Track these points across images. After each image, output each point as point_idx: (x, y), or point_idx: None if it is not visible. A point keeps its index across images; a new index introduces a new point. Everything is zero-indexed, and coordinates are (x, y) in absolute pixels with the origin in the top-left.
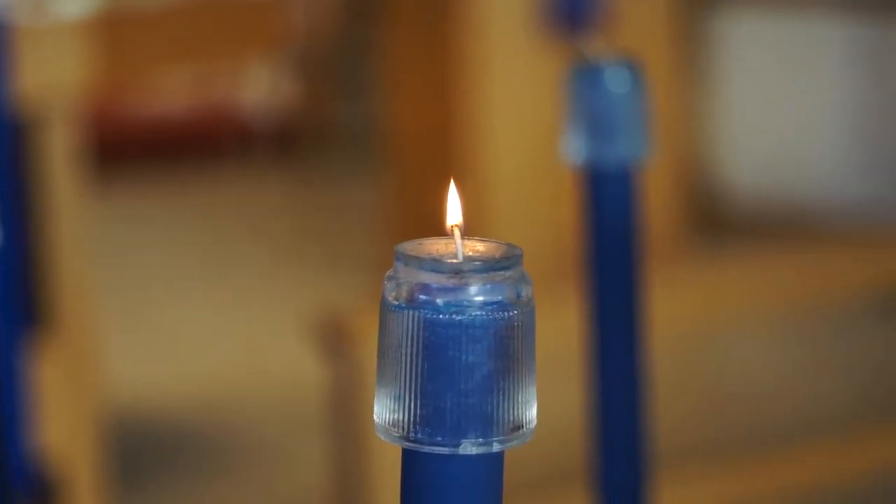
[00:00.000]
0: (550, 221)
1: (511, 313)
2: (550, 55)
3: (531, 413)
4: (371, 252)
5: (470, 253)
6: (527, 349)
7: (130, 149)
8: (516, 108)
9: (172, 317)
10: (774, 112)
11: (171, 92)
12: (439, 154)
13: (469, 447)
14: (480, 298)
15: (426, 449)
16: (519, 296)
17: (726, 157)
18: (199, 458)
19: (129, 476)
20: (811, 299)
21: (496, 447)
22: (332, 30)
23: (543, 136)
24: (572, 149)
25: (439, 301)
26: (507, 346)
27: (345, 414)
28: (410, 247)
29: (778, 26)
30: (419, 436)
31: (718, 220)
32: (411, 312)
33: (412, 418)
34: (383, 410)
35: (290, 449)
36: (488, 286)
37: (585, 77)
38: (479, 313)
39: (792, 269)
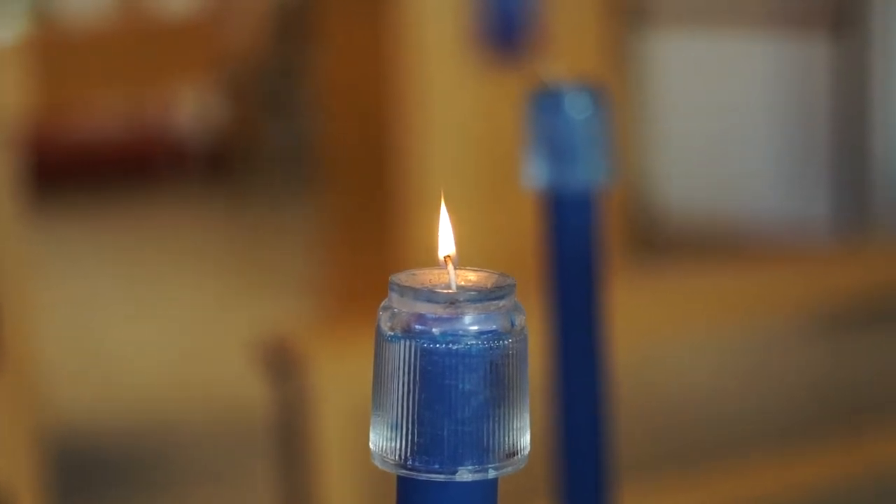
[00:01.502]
0: (486, 240)
1: (506, 342)
2: (484, 76)
3: (525, 440)
4: (307, 272)
5: (462, 282)
6: (520, 377)
7: (64, 171)
8: (450, 128)
9: (112, 338)
10: (703, 129)
11: (105, 114)
12: (373, 173)
13: (465, 474)
14: (475, 328)
15: (422, 476)
16: (513, 324)
17: (657, 175)
18: (143, 479)
19: (72, 498)
20: (745, 315)
21: (492, 474)
22: (264, 51)
23: (478, 156)
24: (533, 173)
25: (435, 331)
26: (502, 375)
27: (291, 435)
28: (405, 277)
29: (706, 44)
30: (416, 463)
31: (650, 238)
32: (407, 342)
33: (408, 446)
34: (379, 438)
35: (235, 470)
36: (483, 315)
37: (545, 102)
38: (474, 342)
39: (725, 285)
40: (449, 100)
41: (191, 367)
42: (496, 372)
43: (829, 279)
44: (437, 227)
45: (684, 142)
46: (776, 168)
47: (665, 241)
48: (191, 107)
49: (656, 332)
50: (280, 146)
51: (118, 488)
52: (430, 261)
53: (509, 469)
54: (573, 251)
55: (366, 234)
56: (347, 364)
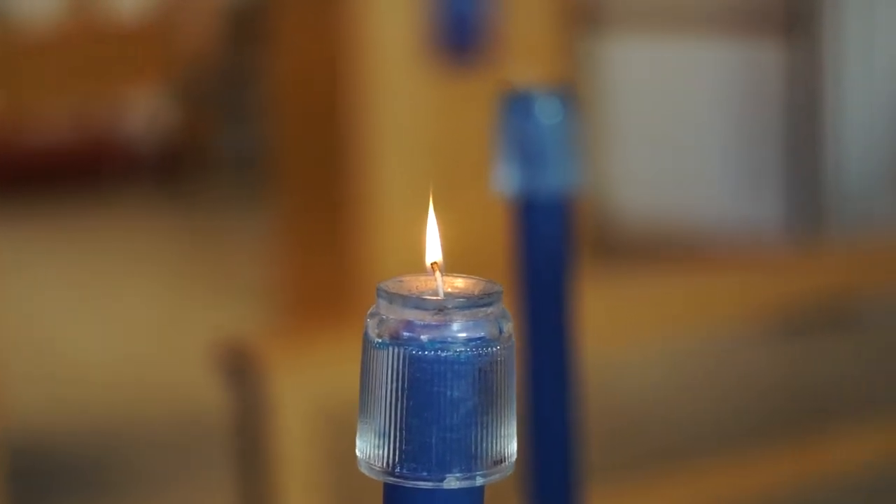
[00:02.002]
0: (442, 244)
1: (494, 349)
2: (438, 79)
3: (512, 447)
4: (261, 275)
5: (449, 289)
6: (508, 384)
7: (16, 175)
8: (404, 131)
9: (66, 342)
10: (657, 133)
11: (57, 118)
12: (326, 177)
13: (453, 482)
14: (464, 335)
15: (410, 484)
16: (501, 331)
17: (612, 179)
18: (99, 484)
19: (25, 503)
20: (700, 320)
21: (479, 481)
22: (216, 55)
23: (432, 159)
24: (503, 178)
25: (424, 338)
26: (490, 382)
27: (249, 439)
28: (392, 284)
29: (659, 49)
30: (403, 471)
31: (604, 242)
32: (395, 349)
33: (396, 453)
34: (366, 445)
35: (193, 474)
36: (471, 322)
37: (516, 107)
38: (463, 349)
39: (680, 290)
40: (403, 103)
41: (146, 370)
42: (484, 379)
43: (784, 283)
44: (423, 233)
45: (638, 146)
46: (730, 171)
47: (619, 246)
48: (142, 110)
49: (610, 337)
50: (232, 150)
51: (74, 493)
52: (390, 264)
53: (496, 476)
54: (543, 256)
55: (319, 237)
56: (305, 367)
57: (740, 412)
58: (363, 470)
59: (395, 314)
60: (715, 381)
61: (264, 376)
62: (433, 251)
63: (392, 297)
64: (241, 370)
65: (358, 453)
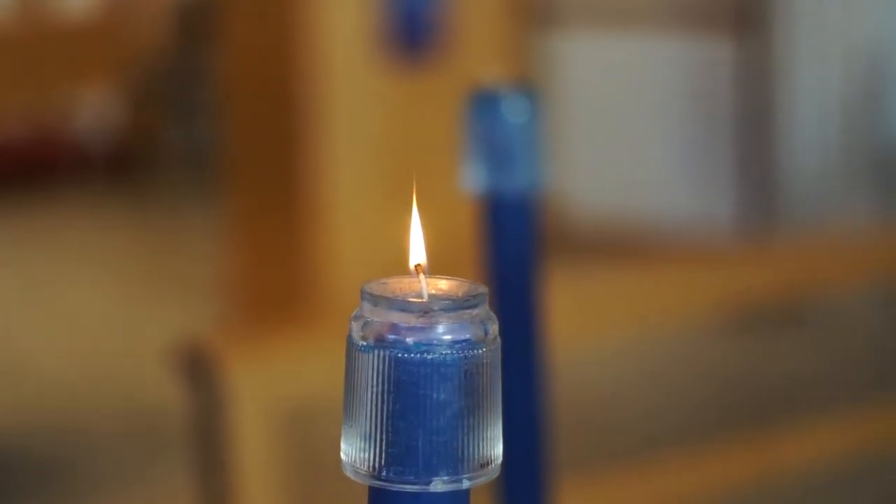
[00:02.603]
0: (393, 245)
1: (479, 351)
2: (390, 76)
3: (498, 449)
4: (213, 274)
5: (433, 291)
6: (493, 386)
7: None
8: (356, 128)
9: (19, 342)
10: (610, 130)
11: (5, 117)
12: (278, 175)
13: (439, 485)
14: (449, 337)
15: (396, 487)
16: (486, 333)
17: (564, 176)
18: (58, 483)
19: None
20: (654, 317)
21: (466, 484)
22: (165, 52)
23: (384, 155)
24: (470, 177)
25: (409, 340)
26: (476, 384)
27: (206, 439)
28: (376, 286)
29: (611, 45)
30: (389, 474)
31: (558, 239)
32: (381, 352)
33: (381, 457)
34: (351, 449)
35: (151, 474)
36: (457, 325)
37: (483, 106)
38: (448, 352)
39: (633, 287)
40: (356, 100)
41: (100, 368)
42: (470, 381)
43: (736, 279)
44: (406, 235)
45: (591, 142)
46: (683, 168)
47: (572, 243)
48: (92, 108)
49: (566, 334)
50: (184, 147)
51: (31, 491)
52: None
53: (483, 479)
54: (511, 253)
55: (272, 234)
56: (262, 365)
57: (697, 407)
58: (348, 473)
59: (380, 316)
60: (671, 377)
61: (221, 374)
62: (417, 253)
63: (377, 300)
64: (197, 368)
65: (343, 456)
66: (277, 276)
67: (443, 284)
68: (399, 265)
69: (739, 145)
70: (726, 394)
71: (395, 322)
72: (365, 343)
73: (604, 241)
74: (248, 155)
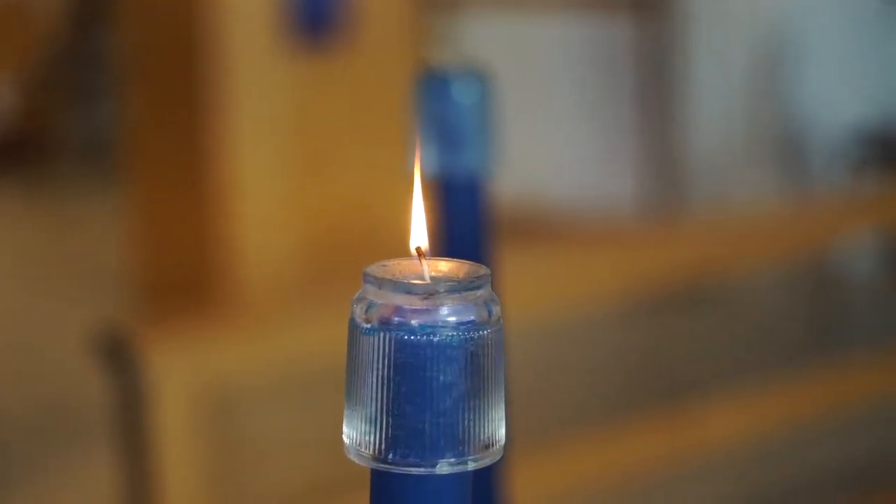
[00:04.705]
0: (300, 228)
1: (483, 332)
2: (294, 60)
3: (501, 431)
4: (118, 261)
5: (434, 273)
6: (497, 367)
7: None
8: (261, 112)
9: None
10: (512, 113)
11: None
12: (181, 160)
13: (445, 467)
14: (453, 319)
15: (401, 470)
16: (490, 314)
17: None
18: None
19: None
20: (562, 299)
21: (471, 465)
22: (61, 38)
23: (290, 141)
24: (421, 158)
25: (414, 322)
26: (480, 365)
27: (127, 428)
28: (377, 269)
29: (514, 28)
30: (395, 457)
31: None
32: (385, 335)
33: (386, 439)
34: (354, 432)
35: (72, 463)
36: (461, 306)
37: (433, 88)
38: (453, 333)
39: (539, 270)
40: (258, 84)
41: (14, 362)
42: (474, 363)
43: (643, 260)
44: (409, 218)
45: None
46: (585, 149)
47: None
48: None
49: None
50: (81, 133)
51: None
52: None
53: (487, 460)
54: (462, 236)
55: (176, 221)
56: (182, 353)
57: (607, 389)
58: (351, 456)
59: (385, 299)
60: (580, 359)
61: (142, 361)
62: (419, 236)
63: (381, 283)
64: (116, 356)
65: (345, 440)
66: (184, 262)
67: (443, 266)
68: (309, 246)
69: (642, 126)
70: (638, 373)
71: (399, 304)
72: (369, 326)
73: (508, 224)
74: (149, 139)
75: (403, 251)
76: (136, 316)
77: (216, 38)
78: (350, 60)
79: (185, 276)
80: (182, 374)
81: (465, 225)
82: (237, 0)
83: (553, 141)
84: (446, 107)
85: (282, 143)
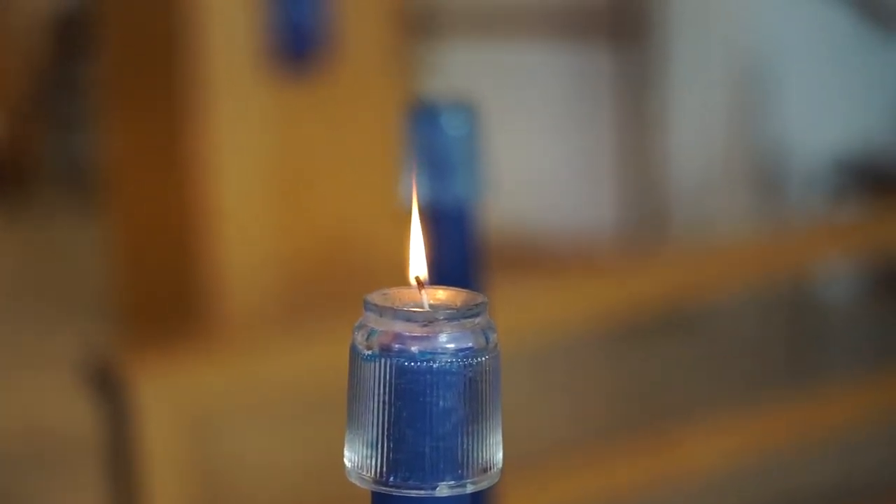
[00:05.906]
0: (279, 255)
1: (481, 358)
2: (274, 86)
3: (498, 455)
4: (99, 289)
5: (432, 301)
6: (494, 392)
7: None
8: (242, 138)
9: None
10: (491, 140)
11: None
12: (161, 187)
13: (444, 489)
14: (452, 346)
15: (401, 493)
16: (487, 341)
17: None
18: None
19: None
20: (544, 326)
21: (470, 488)
22: (41, 66)
23: (272, 167)
24: (409, 188)
25: (414, 349)
26: (478, 391)
27: (115, 455)
28: (378, 297)
29: (493, 54)
30: (396, 480)
31: None
32: (385, 361)
33: (387, 463)
34: (355, 455)
35: (60, 489)
36: (459, 333)
37: (422, 119)
38: (452, 360)
39: (519, 297)
40: (239, 110)
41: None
42: (473, 388)
43: (622, 289)
44: (407, 246)
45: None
46: (564, 177)
47: None
48: None
49: None
50: (61, 161)
51: None
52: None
53: (485, 483)
54: (451, 263)
55: (158, 248)
56: (169, 380)
57: (590, 413)
58: (353, 479)
59: (385, 326)
60: (564, 383)
61: (128, 389)
62: (418, 265)
63: (382, 310)
64: (103, 384)
65: (346, 463)
66: (166, 288)
67: (441, 294)
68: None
69: (621, 154)
70: (616, 400)
71: (399, 331)
72: (370, 352)
73: (492, 252)
74: (130, 165)
75: (391, 277)
76: (120, 342)
77: (198, 64)
78: (332, 87)
79: (167, 302)
80: (167, 400)
81: (454, 253)
82: (219, 26)
83: (532, 169)
84: (436, 138)
85: (264, 170)
